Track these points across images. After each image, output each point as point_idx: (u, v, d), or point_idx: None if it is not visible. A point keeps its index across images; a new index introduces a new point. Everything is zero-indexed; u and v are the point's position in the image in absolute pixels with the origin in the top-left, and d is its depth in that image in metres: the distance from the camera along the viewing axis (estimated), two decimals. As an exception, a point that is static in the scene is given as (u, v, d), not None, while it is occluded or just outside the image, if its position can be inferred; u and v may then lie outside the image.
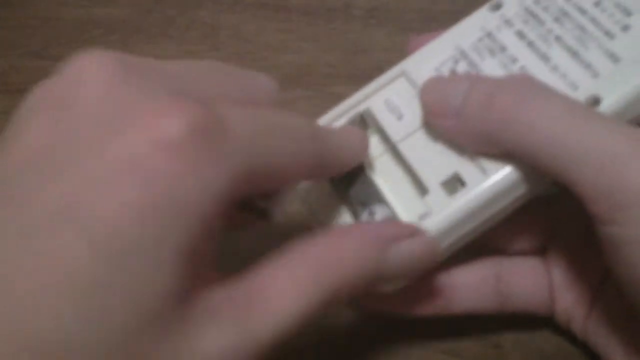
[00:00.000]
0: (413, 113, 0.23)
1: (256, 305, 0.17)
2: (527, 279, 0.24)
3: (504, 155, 0.20)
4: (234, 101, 0.18)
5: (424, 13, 0.38)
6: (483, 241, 0.22)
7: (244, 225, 0.22)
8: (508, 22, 0.24)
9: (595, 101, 0.21)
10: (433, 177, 0.22)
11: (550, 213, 0.24)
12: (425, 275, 0.22)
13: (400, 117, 0.23)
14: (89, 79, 0.16)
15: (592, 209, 0.18)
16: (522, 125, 0.19)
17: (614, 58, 0.21)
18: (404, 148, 0.23)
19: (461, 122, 0.21)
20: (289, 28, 0.38)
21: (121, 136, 0.15)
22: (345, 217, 0.23)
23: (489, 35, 0.24)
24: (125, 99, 0.16)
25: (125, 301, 0.14)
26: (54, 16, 0.40)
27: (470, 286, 0.23)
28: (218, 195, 0.16)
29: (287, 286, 0.17)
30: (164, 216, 0.15)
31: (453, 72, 0.23)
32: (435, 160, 0.22)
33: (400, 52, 0.36)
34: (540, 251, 0.25)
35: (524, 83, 0.20)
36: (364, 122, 0.24)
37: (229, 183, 0.16)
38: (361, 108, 0.24)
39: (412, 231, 0.20)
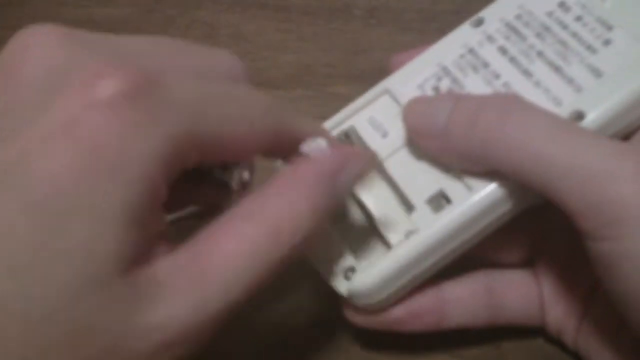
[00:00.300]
0: (397, 131, 0.23)
1: (207, 274, 0.16)
2: (518, 291, 0.24)
3: (490, 172, 0.20)
4: (184, 72, 0.18)
5: (424, 13, 0.38)
6: (470, 253, 0.22)
7: (205, 199, 0.22)
8: (490, 38, 0.23)
9: (579, 116, 0.20)
10: (418, 194, 0.22)
11: (536, 225, 0.24)
12: (417, 292, 0.22)
13: (384, 134, 0.23)
14: (33, 48, 0.16)
15: (580, 225, 0.18)
16: (507, 143, 0.19)
17: (596, 73, 0.21)
18: (389, 165, 0.23)
19: (446, 141, 0.21)
20: (289, 28, 0.38)
21: (59, 98, 0.15)
22: None
23: (471, 51, 0.23)
24: (66, 63, 0.16)
25: (65, 266, 0.14)
26: (54, 16, 0.40)
27: (462, 301, 0.23)
28: (159, 156, 0.16)
29: (239, 251, 0.17)
30: (103, 176, 0.15)
31: (436, 89, 0.23)
32: (420, 177, 0.22)
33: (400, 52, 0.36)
34: (529, 263, 0.24)
35: (508, 100, 0.20)
36: (349, 139, 0.24)
37: (169, 144, 0.16)
38: (345, 126, 0.24)
39: (350, 153, 0.20)
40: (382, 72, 0.25)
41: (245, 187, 0.20)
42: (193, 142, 0.16)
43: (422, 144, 0.22)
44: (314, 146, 0.20)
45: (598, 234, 0.18)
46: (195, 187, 0.20)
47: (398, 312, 0.22)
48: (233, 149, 0.18)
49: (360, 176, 0.20)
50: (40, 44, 0.16)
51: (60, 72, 0.16)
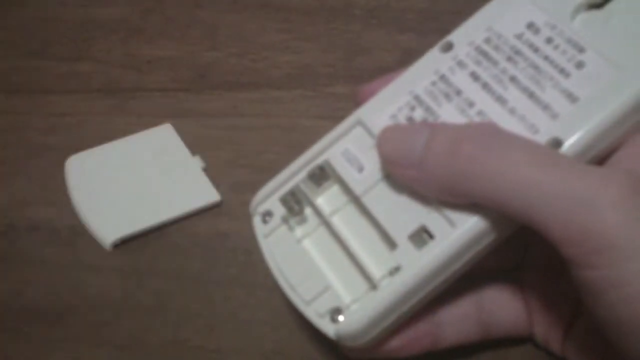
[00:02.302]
0: (373, 164, 0.22)
1: None
2: (506, 306, 0.24)
3: (470, 203, 0.20)
4: None
5: (424, 13, 0.38)
6: None
7: None
8: (460, 64, 0.23)
9: (557, 144, 0.20)
10: (400, 231, 0.21)
11: (519, 238, 0.23)
12: (411, 319, 0.22)
13: (360, 169, 0.23)
14: None
15: (565, 253, 0.18)
16: (487, 173, 0.19)
17: (571, 98, 0.21)
18: (367, 201, 0.22)
19: (423, 172, 0.20)
20: (289, 28, 0.38)
21: None
22: None
23: (442, 78, 0.23)
24: None
25: None
26: (54, 16, 0.40)
27: (455, 322, 0.23)
28: None
29: None
30: None
31: (410, 120, 0.23)
32: (400, 212, 0.21)
33: (400, 52, 0.36)
34: (515, 270, 0.25)
35: (487, 130, 0.20)
36: (324, 173, 0.24)
37: None
38: (320, 160, 0.24)
39: None
40: (382, 72, 0.25)
41: None
42: None
43: (397, 174, 0.21)
44: None
45: (583, 262, 0.18)
46: None
47: (395, 343, 0.22)
48: None
49: None
50: None
51: None
